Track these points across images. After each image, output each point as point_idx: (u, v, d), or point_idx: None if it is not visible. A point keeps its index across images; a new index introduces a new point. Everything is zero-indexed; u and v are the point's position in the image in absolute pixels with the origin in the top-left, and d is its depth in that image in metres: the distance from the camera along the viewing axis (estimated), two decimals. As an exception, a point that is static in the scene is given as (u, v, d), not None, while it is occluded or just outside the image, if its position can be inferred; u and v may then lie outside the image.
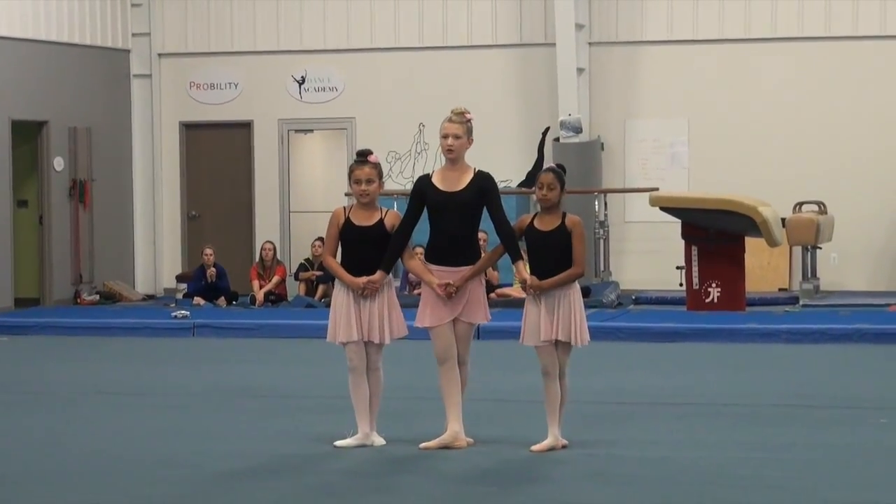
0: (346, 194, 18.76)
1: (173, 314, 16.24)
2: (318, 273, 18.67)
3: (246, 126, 20.60)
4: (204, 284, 18.31)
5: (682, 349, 14.06)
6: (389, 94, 20.16)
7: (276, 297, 18.28)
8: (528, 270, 8.63)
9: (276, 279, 18.47)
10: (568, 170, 20.57)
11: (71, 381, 11.97)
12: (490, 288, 17.81)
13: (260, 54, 20.54)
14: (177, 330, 15.40)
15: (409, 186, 20.42)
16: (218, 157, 20.52)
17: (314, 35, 20.40)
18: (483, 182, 8.58)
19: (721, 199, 16.85)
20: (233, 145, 20.54)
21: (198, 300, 17.91)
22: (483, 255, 8.72)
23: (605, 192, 19.23)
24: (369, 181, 8.64)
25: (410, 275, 17.99)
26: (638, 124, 19.70)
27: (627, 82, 19.70)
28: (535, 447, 8.48)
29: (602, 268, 18.99)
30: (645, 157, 19.68)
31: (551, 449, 8.49)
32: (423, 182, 8.68)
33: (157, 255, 20.55)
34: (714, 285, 16.72)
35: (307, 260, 19.01)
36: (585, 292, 17.47)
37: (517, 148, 19.85)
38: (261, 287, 18.36)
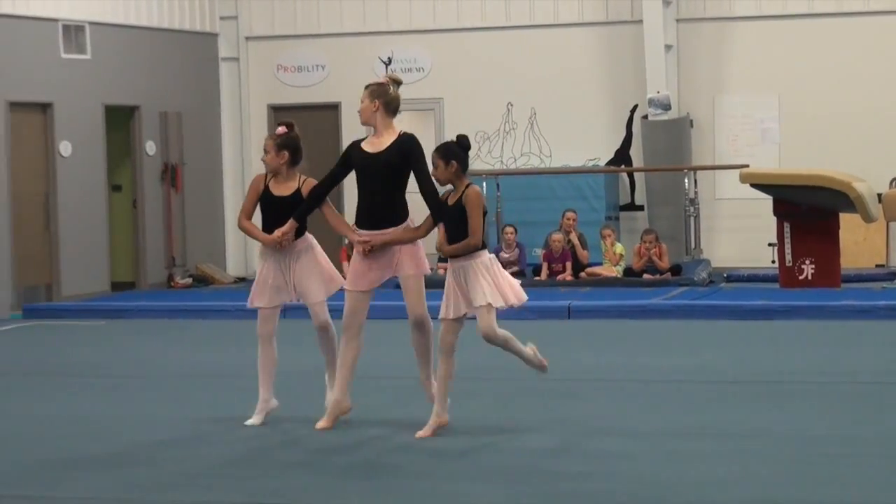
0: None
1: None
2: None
3: (334, 108, 20.67)
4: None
5: (775, 327, 13.93)
6: (476, 73, 20.12)
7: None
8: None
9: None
10: (656, 147, 20.76)
11: (164, 363, 12.09)
12: (580, 267, 17.76)
13: (346, 36, 20.60)
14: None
15: (498, 166, 20.66)
16: (306, 139, 20.22)
17: (400, 16, 20.41)
18: (405, 144, 8.62)
19: (814, 174, 16.67)
20: (321, 127, 20.60)
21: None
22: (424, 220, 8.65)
23: (695, 169, 19.09)
24: (265, 151, 8.91)
25: (501, 254, 17.98)
26: (727, 100, 19.52)
27: (716, 58, 19.52)
28: (418, 433, 8.43)
29: (693, 245, 18.87)
30: (735, 134, 19.50)
31: (440, 427, 8.44)
32: (352, 145, 8.80)
33: (247, 238, 20.64)
34: (808, 262, 16.55)
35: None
36: (676, 270, 17.44)
37: (605, 126, 19.76)
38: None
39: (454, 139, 8.62)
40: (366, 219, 8.61)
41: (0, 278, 16.58)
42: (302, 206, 8.75)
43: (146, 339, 14.02)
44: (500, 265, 8.63)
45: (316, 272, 8.86)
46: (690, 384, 10.41)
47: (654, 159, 19.33)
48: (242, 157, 20.68)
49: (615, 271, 17.69)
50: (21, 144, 17.25)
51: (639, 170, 19.61)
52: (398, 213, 8.62)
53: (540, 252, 18.18)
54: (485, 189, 19.11)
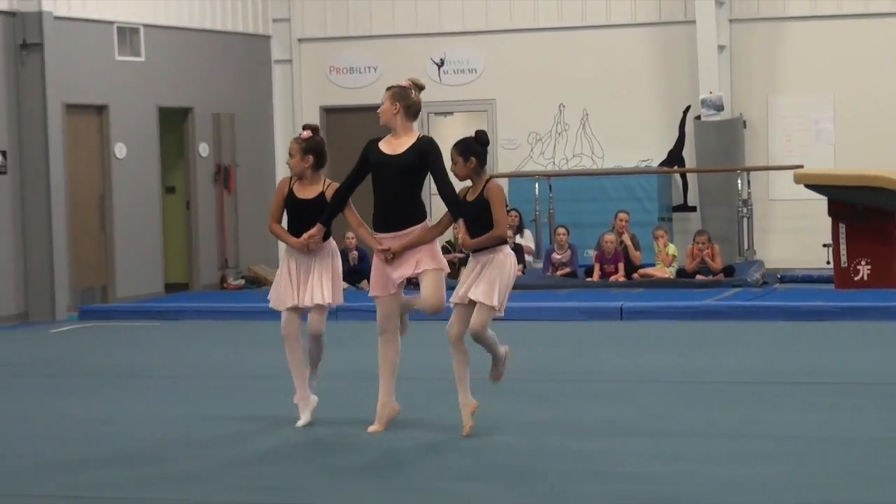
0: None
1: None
2: (460, 255, 18.68)
3: (386, 109, 20.67)
4: (346, 268, 18.40)
5: (830, 328, 13.84)
6: (529, 75, 20.10)
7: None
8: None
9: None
10: (709, 148, 20.61)
11: (217, 364, 12.13)
12: (633, 268, 17.70)
13: (398, 37, 20.62)
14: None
15: (550, 168, 20.64)
16: (358, 141, 20.29)
17: (453, 17, 20.42)
18: (424, 146, 8.62)
19: (870, 175, 16.53)
20: (373, 129, 20.30)
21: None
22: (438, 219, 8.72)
23: (748, 169, 18.99)
24: (290, 155, 8.98)
25: (553, 255, 17.96)
26: (781, 101, 19.41)
27: (769, 59, 19.42)
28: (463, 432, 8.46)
29: (746, 246, 18.77)
30: (789, 134, 19.39)
31: (474, 412, 8.48)
32: (370, 145, 8.80)
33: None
34: (863, 263, 16.42)
35: (448, 242, 19.05)
36: (729, 271, 17.35)
37: (658, 127, 19.69)
38: None
39: (477, 132, 8.65)
40: (383, 220, 8.61)
41: (57, 280, 16.69)
42: (328, 209, 8.81)
43: (199, 341, 14.09)
44: (515, 263, 8.64)
45: (329, 276, 8.92)
46: (743, 385, 10.35)
47: (707, 160, 19.24)
48: (295, 159, 20.70)
49: (668, 272, 17.62)
50: (77, 147, 17.38)
51: (691, 170, 19.53)
52: (416, 213, 8.63)
53: (592, 253, 18.13)
54: (537, 190, 19.10)
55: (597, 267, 17.78)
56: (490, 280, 8.43)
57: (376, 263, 8.68)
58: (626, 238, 17.82)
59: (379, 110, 8.74)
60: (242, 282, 19.63)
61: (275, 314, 9.16)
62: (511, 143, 20.22)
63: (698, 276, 17.38)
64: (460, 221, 8.46)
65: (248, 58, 20.33)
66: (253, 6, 20.39)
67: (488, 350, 8.65)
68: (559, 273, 17.96)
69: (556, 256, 18.06)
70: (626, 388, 10.32)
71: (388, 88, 8.80)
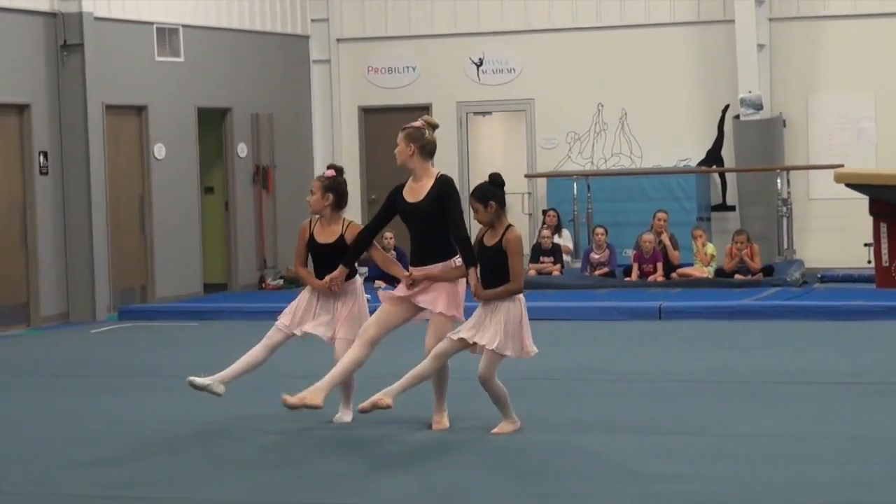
0: (529, 175, 18.91)
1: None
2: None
3: (424, 109, 20.68)
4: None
5: (871, 328, 13.74)
6: (567, 74, 20.07)
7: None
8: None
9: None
10: (749, 147, 20.53)
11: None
12: (671, 268, 17.65)
13: (437, 37, 20.62)
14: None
15: (589, 167, 20.60)
16: (396, 142, 20.63)
17: (491, 17, 20.40)
18: (441, 188, 8.72)
19: (911, 174, 16.45)
20: (412, 129, 20.63)
21: (379, 283, 18.02)
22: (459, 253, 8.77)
23: (788, 169, 18.91)
24: (311, 192, 9.06)
25: (592, 255, 17.93)
26: (821, 100, 19.31)
27: (809, 58, 19.32)
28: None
29: (785, 246, 18.69)
30: (829, 133, 19.29)
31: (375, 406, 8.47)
32: (395, 191, 8.92)
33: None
34: (904, 262, 16.33)
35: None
36: (768, 271, 17.27)
37: (697, 126, 19.63)
38: None
39: (487, 180, 8.64)
40: (416, 258, 8.79)
41: (98, 281, 16.77)
42: (351, 251, 8.92)
43: (237, 341, 14.06)
44: (526, 310, 8.56)
45: (353, 313, 8.99)
46: (783, 386, 10.31)
47: (746, 159, 19.16)
48: (333, 159, 20.74)
49: (706, 272, 17.55)
50: (117, 147, 17.46)
51: (731, 170, 19.45)
52: (445, 250, 8.72)
53: (630, 253, 18.09)
54: (575, 190, 19.06)
55: (635, 267, 17.73)
56: (495, 327, 8.42)
57: (400, 287, 8.83)
58: (665, 237, 17.77)
59: (396, 153, 8.81)
60: (281, 282, 19.67)
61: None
62: (549, 142, 20.19)
63: (737, 276, 17.30)
64: (471, 270, 8.51)
65: (286, 58, 20.37)
66: (291, 6, 20.44)
67: (495, 402, 8.60)
68: (597, 273, 17.91)
69: (595, 256, 18.02)
70: (664, 388, 10.28)
71: (403, 129, 8.88)
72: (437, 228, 8.70)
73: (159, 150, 18.04)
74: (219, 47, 19.06)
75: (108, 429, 9.14)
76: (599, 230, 18.11)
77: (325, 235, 9.03)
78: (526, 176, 20.04)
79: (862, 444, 8.04)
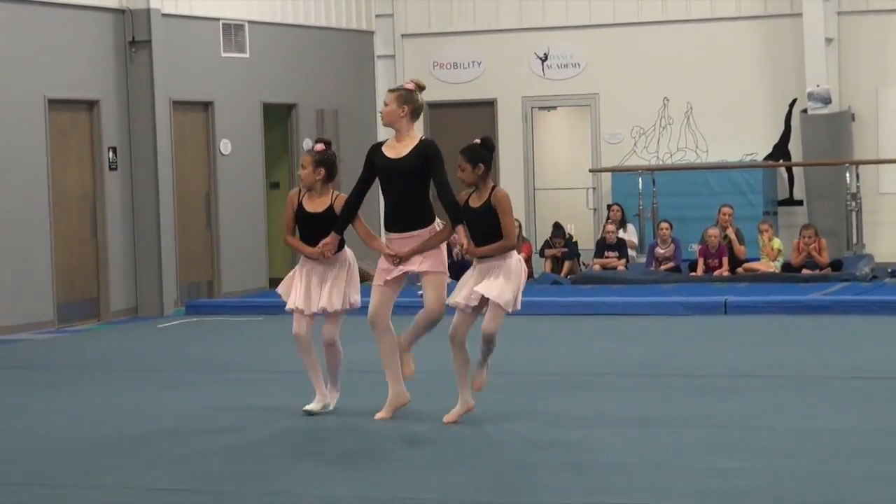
0: (593, 170, 18.82)
1: (419, 293, 16.34)
2: (564, 250, 18.66)
3: (489, 104, 20.72)
4: (451, 262, 18.40)
5: (940, 324, 13.61)
6: (632, 69, 20.00)
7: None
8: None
9: (521, 256, 18.50)
10: (816, 141, 20.34)
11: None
12: (737, 262, 17.55)
13: (502, 32, 20.61)
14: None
15: (654, 162, 20.51)
16: (462, 136, 20.51)
17: (556, 11, 20.37)
18: (425, 149, 8.76)
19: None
20: (477, 124, 20.64)
21: (448, 279, 18.04)
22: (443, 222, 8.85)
23: (857, 163, 18.74)
24: (303, 167, 9.13)
25: (657, 250, 17.86)
26: (891, 93, 19.12)
27: (879, 51, 19.14)
28: (446, 417, 8.67)
29: (855, 241, 18.53)
30: (900, 127, 19.11)
31: (466, 412, 8.64)
32: (373, 149, 8.96)
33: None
34: (976, 257, 16.16)
35: (552, 237, 19.03)
36: (837, 266, 17.12)
37: (763, 120, 19.51)
38: None
39: (478, 140, 8.68)
40: (394, 222, 8.82)
41: (165, 275, 16.90)
42: (340, 218, 9.00)
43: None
44: (524, 267, 8.70)
45: (343, 285, 9.08)
46: (850, 381, 10.22)
47: (814, 154, 19.02)
48: (398, 154, 20.78)
49: (773, 267, 17.44)
50: (184, 143, 17.58)
51: (797, 164, 19.32)
52: (425, 215, 8.79)
53: (696, 248, 18.00)
54: (640, 184, 18.99)
55: (700, 261, 17.65)
56: (502, 282, 8.51)
57: (381, 259, 8.88)
58: (731, 232, 17.67)
59: (382, 111, 8.89)
60: (347, 276, 19.68)
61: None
62: (614, 137, 20.12)
63: (805, 271, 17.17)
64: (459, 227, 8.59)
65: (351, 53, 20.44)
66: (357, 3, 20.50)
67: (486, 355, 8.68)
68: (662, 267, 17.85)
69: (660, 251, 17.95)
70: (728, 383, 10.23)
71: (394, 90, 8.95)
72: (417, 189, 8.72)
73: (225, 146, 18.15)
74: (284, 43, 19.15)
75: (180, 423, 9.20)
76: (664, 225, 18.03)
77: (315, 205, 9.10)
78: (590, 171, 20.00)
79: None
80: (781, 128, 19.39)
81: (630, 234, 19.05)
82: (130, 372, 11.91)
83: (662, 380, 10.48)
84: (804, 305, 14.82)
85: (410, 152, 8.73)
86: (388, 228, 8.86)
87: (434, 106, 20.80)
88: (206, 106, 18.00)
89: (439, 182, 8.68)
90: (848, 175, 18.61)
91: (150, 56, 16.79)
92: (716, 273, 17.44)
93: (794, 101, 19.27)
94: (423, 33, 20.93)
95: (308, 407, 9.19)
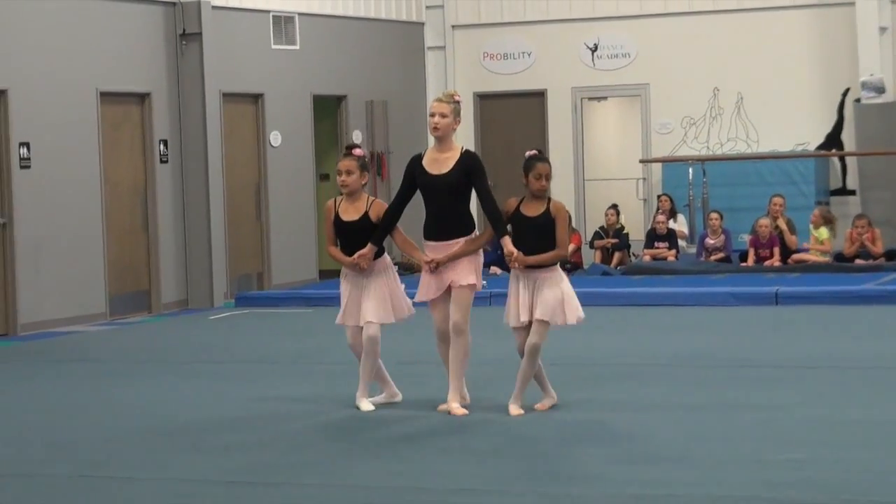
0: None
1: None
2: (614, 241, 18.61)
3: (539, 95, 20.68)
4: (499, 253, 18.41)
5: None
6: (683, 59, 19.91)
7: (572, 266, 18.27)
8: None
9: (571, 247, 18.46)
10: (870, 131, 20.21)
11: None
12: (788, 253, 17.45)
13: (552, 23, 20.57)
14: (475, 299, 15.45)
15: (705, 152, 20.39)
16: (512, 127, 20.67)
17: (606, 2, 20.30)
18: (468, 162, 8.80)
19: None
20: (527, 114, 20.64)
21: (494, 269, 18.02)
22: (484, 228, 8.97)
23: (912, 153, 18.59)
24: (349, 172, 8.99)
25: (707, 240, 17.79)
26: (945, 82, 18.96)
27: (933, 39, 18.98)
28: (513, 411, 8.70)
29: (910, 231, 18.39)
30: (953, 116, 18.91)
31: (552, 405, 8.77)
32: (414, 163, 8.96)
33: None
34: None
35: (602, 228, 18.98)
36: (891, 256, 16.98)
37: (815, 110, 19.38)
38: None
39: (535, 152, 8.81)
40: (435, 232, 8.86)
41: (215, 268, 16.97)
42: (379, 230, 8.98)
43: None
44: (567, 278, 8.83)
45: (380, 294, 9.03)
46: (875, 371, 10.15)
47: (868, 143, 18.87)
48: (448, 146, 20.77)
49: (823, 257, 17.32)
50: (234, 135, 17.64)
51: (850, 154, 19.18)
52: (465, 224, 8.85)
53: (747, 238, 17.91)
54: (690, 175, 18.90)
55: (751, 252, 17.56)
56: (547, 299, 8.58)
57: (424, 272, 8.94)
58: (782, 222, 17.57)
59: (438, 123, 8.82)
60: (396, 268, 19.69)
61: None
62: (664, 127, 20.05)
63: (858, 261, 17.05)
64: (506, 238, 8.62)
65: (401, 45, 20.44)
66: (406, -6, 20.52)
67: (536, 377, 8.77)
68: (713, 258, 17.77)
69: (710, 241, 17.87)
70: (781, 374, 10.17)
71: (448, 101, 8.92)
72: (460, 202, 8.78)
73: (275, 138, 18.20)
74: (334, 35, 19.18)
75: (231, 413, 9.24)
76: (714, 215, 17.95)
77: (350, 213, 9.04)
78: (641, 161, 19.93)
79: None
80: (834, 117, 19.26)
81: (680, 225, 18.97)
82: (183, 364, 11.97)
83: (714, 371, 10.43)
84: (857, 295, 14.71)
85: (454, 168, 8.76)
86: (428, 237, 8.90)
87: (484, 97, 20.78)
88: (257, 98, 18.05)
89: (484, 193, 8.74)
90: (901, 165, 18.46)
91: (200, 48, 16.85)
92: (767, 263, 17.34)
93: (847, 90, 19.12)
94: (474, 24, 20.91)
95: (373, 399, 9.19)
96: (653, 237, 18.32)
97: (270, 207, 18.10)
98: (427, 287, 8.92)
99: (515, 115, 20.77)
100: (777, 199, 17.79)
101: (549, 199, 8.70)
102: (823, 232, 17.51)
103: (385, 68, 20.03)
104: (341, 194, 9.13)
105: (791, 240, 17.51)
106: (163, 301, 16.62)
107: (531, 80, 20.69)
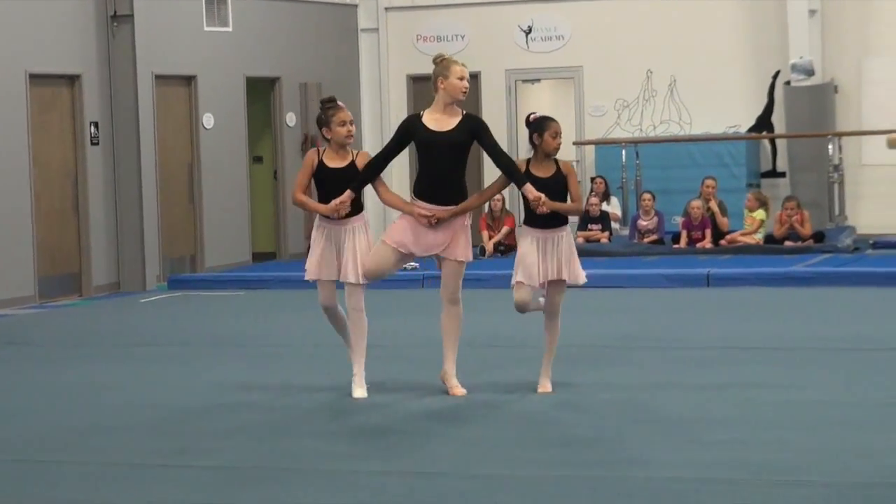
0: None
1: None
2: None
3: (473, 77, 20.51)
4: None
5: (922, 295, 13.65)
6: (616, 41, 19.98)
7: (505, 248, 18.32)
8: (525, 213, 8.82)
9: (505, 229, 18.51)
10: (799, 113, 20.39)
11: (302, 333, 12.20)
12: (720, 235, 17.57)
13: (486, 5, 20.57)
14: (407, 282, 15.51)
15: (638, 134, 20.46)
16: (348, 111, 20.58)
17: (539, -16, 20.35)
18: (474, 123, 8.76)
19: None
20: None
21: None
22: (478, 193, 8.97)
23: (839, 134, 18.76)
24: (352, 122, 8.85)
25: (640, 222, 17.87)
26: (873, 65, 19.13)
27: (862, 22, 19.14)
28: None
29: (837, 212, 18.56)
30: (882, 99, 19.10)
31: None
32: (412, 120, 8.80)
33: (386, 207, 20.75)
34: (958, 227, 16.20)
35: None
36: (819, 237, 17.15)
37: (746, 92, 19.51)
38: (490, 238, 18.44)
39: (538, 114, 8.94)
40: (430, 195, 8.68)
41: (148, 250, 16.88)
42: (359, 178, 8.76)
43: (285, 310, 14.18)
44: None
45: (361, 254, 8.82)
46: (833, 353, 10.25)
47: (797, 126, 19.03)
48: (381, 127, 20.79)
49: (755, 238, 17.46)
50: (166, 117, 17.53)
51: (781, 136, 19.33)
52: (463, 190, 8.77)
53: (679, 220, 18.02)
54: (624, 157, 18.99)
55: (684, 233, 17.68)
56: (572, 262, 8.70)
57: (411, 221, 8.68)
58: (714, 204, 17.69)
59: (465, 87, 8.73)
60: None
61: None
62: (598, 109, 20.11)
63: (787, 243, 17.21)
64: (528, 185, 8.56)
65: (335, 27, 20.38)
66: (339, -25, 20.45)
67: (556, 334, 8.91)
68: (646, 240, 17.87)
69: (643, 223, 17.97)
70: (712, 355, 10.25)
71: (463, 65, 8.87)
72: (460, 163, 8.70)
73: (208, 120, 18.10)
74: (267, 16, 19.09)
75: (156, 397, 9.21)
76: (646, 195, 18.05)
77: (336, 161, 8.83)
78: (574, 143, 19.98)
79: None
80: (765, 100, 19.40)
81: (613, 207, 19.05)
82: (117, 347, 11.89)
83: (645, 352, 10.50)
84: (786, 277, 14.86)
85: (458, 125, 8.66)
86: (421, 198, 8.67)
87: (417, 79, 20.74)
88: (189, 80, 17.94)
89: (495, 147, 8.67)
90: (830, 147, 18.63)
91: (132, 30, 16.73)
92: (699, 245, 17.47)
93: (778, 72, 19.27)
94: (407, 6, 20.87)
95: (357, 395, 8.93)
96: (586, 219, 18.39)
97: (203, 190, 18.01)
98: (412, 239, 8.67)
99: (463, 64, 20.72)
100: (709, 182, 17.91)
101: (556, 161, 8.76)
102: (761, 213, 17.65)
103: (319, 50, 19.97)
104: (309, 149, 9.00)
105: (723, 222, 17.64)
106: (94, 284, 16.51)
107: (465, 62, 20.45)
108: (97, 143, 16.64)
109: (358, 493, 6.51)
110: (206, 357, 11.03)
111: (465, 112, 8.79)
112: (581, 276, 8.74)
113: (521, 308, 8.77)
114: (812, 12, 19.01)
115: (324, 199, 8.84)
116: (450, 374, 8.84)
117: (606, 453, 7.11)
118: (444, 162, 8.64)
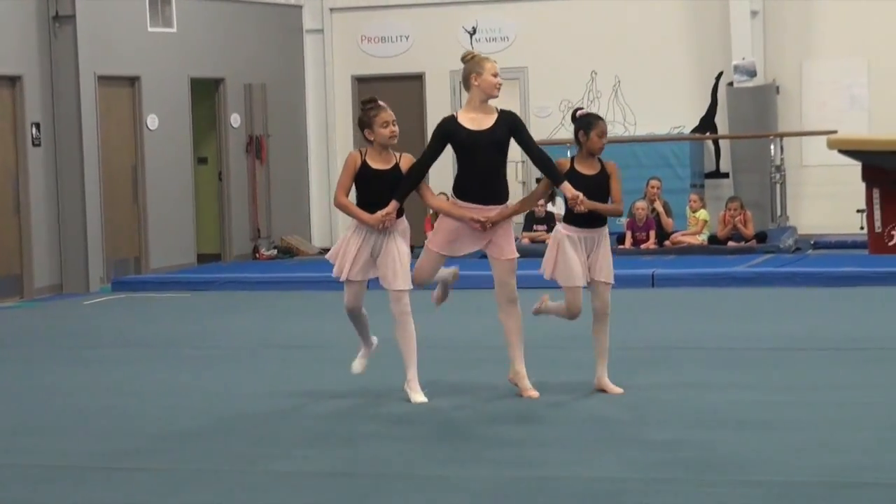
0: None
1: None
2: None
3: (417, 78, 20.69)
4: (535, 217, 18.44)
5: (864, 293, 13.77)
6: (561, 42, 20.03)
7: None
8: (565, 211, 8.85)
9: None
10: (742, 114, 20.52)
11: (249, 334, 12.18)
12: (665, 235, 17.67)
13: (430, 6, 20.58)
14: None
15: (582, 135, 20.29)
16: (391, 110, 20.61)
17: (484, -15, 20.38)
18: (511, 119, 8.72)
19: (903, 140, 16.45)
20: (405, 98, 20.61)
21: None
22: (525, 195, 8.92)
23: (781, 135, 18.91)
24: (395, 122, 8.68)
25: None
26: (815, 66, 19.29)
27: (803, 24, 19.29)
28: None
29: (779, 213, 18.70)
30: (823, 100, 19.27)
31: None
32: (450, 122, 8.71)
33: (332, 209, 20.75)
34: (897, 228, 16.35)
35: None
36: (761, 238, 17.28)
37: (690, 93, 19.62)
38: (531, 240, 18.36)
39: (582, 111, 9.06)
40: (471, 194, 8.58)
41: (91, 252, 16.78)
42: (402, 186, 8.58)
43: (231, 311, 14.14)
44: None
45: (404, 260, 8.67)
46: (775, 352, 10.33)
47: (740, 126, 19.16)
48: (327, 129, 20.77)
49: (699, 239, 17.57)
50: (110, 118, 17.42)
51: (724, 137, 19.45)
52: (505, 188, 8.72)
53: (623, 221, 18.09)
54: (568, 156, 19.01)
55: (628, 234, 17.75)
56: (609, 260, 8.82)
57: (451, 223, 8.61)
58: (658, 205, 17.78)
59: (499, 83, 8.69)
60: (275, 252, 19.68)
61: (305, 284, 9.14)
62: (543, 110, 20.16)
63: (730, 243, 17.32)
64: (567, 184, 8.57)
65: (279, 27, 20.33)
66: (284, -24, 20.41)
67: (607, 336, 8.98)
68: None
69: (588, 224, 17.99)
70: (655, 356, 10.30)
71: (494, 60, 8.79)
72: (503, 161, 8.62)
73: (152, 121, 18.02)
74: (211, 17, 19.02)
75: (101, 401, 9.16)
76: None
77: (380, 163, 8.60)
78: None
79: (854, 409, 8.07)
80: (708, 101, 19.51)
81: (559, 208, 19.08)
82: (59, 350, 11.82)
83: (588, 353, 10.52)
84: (730, 277, 14.96)
85: (496, 123, 8.60)
86: (467, 200, 8.57)
87: (362, 80, 20.74)
88: (133, 81, 17.85)
89: (532, 143, 8.67)
90: (772, 147, 18.78)
91: (74, 30, 16.63)
92: (643, 246, 17.55)
93: (721, 74, 19.39)
94: (352, 7, 20.85)
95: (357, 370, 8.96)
96: (531, 220, 18.43)
97: (148, 191, 17.92)
98: (453, 242, 8.63)
99: (394, 98, 20.51)
100: (654, 182, 18.00)
101: (600, 159, 8.77)
102: (703, 213, 17.76)
103: (263, 51, 19.91)
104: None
105: (667, 222, 17.74)
106: (36, 286, 16.39)
107: (409, 63, 20.69)
108: (39, 145, 16.53)
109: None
110: (151, 359, 10.97)
111: (499, 109, 8.71)
112: (612, 277, 8.79)
113: (577, 313, 8.86)
114: (754, 13, 19.15)
115: (365, 200, 8.63)
116: (521, 374, 8.75)
117: (537, 454, 7.12)
118: (487, 161, 8.56)
